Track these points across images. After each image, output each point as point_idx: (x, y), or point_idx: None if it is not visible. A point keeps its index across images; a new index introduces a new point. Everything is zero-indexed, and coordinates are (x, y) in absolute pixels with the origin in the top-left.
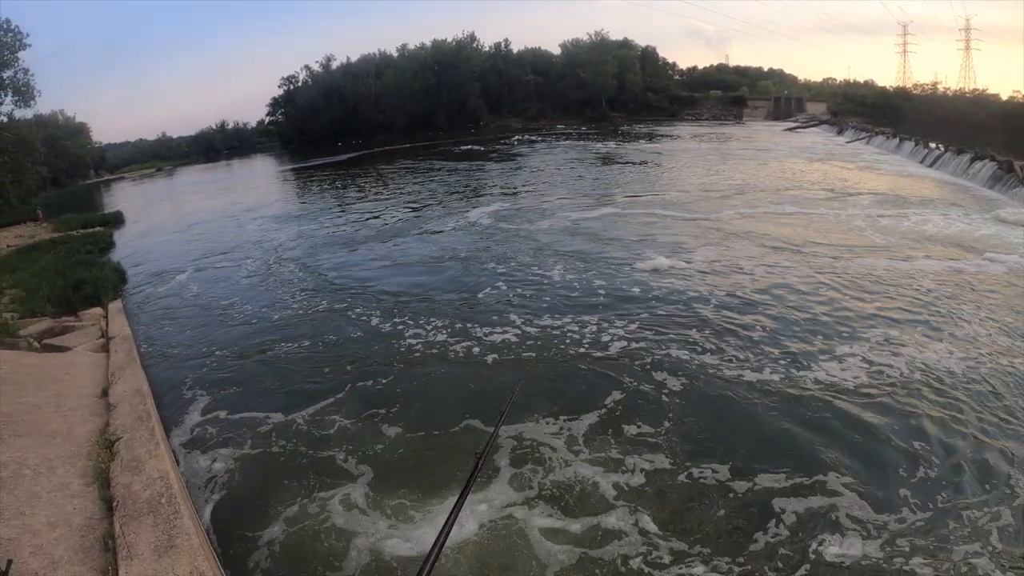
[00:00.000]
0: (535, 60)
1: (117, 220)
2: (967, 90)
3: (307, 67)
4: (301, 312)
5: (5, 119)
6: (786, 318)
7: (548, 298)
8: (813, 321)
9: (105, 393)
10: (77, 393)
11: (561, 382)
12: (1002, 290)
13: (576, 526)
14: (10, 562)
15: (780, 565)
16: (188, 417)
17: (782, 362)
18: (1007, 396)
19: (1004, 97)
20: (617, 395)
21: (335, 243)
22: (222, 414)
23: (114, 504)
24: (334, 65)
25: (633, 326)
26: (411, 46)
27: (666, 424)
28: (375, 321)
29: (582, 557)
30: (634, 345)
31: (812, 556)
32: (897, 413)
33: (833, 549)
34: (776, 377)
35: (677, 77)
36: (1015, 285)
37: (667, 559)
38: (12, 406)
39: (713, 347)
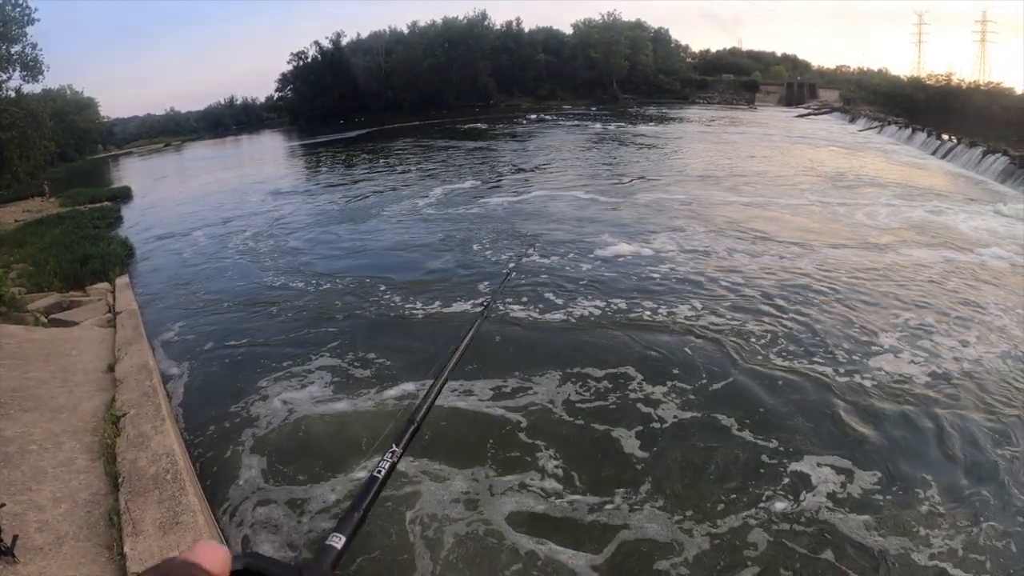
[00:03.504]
0: (546, 39)
1: (125, 195)
2: (982, 83)
3: (317, 43)
4: (304, 284)
5: (13, 94)
6: (796, 310)
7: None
8: (826, 313)
9: (112, 368)
10: (84, 368)
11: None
12: (1007, 282)
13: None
14: (16, 537)
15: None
16: (194, 392)
17: (811, 352)
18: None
19: (1019, 91)
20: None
21: (331, 218)
22: (228, 389)
23: (120, 480)
24: (344, 41)
25: (630, 305)
26: (422, 23)
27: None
28: (366, 286)
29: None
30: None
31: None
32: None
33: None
34: (811, 366)
35: (689, 60)
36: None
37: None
38: (19, 381)
39: (732, 334)
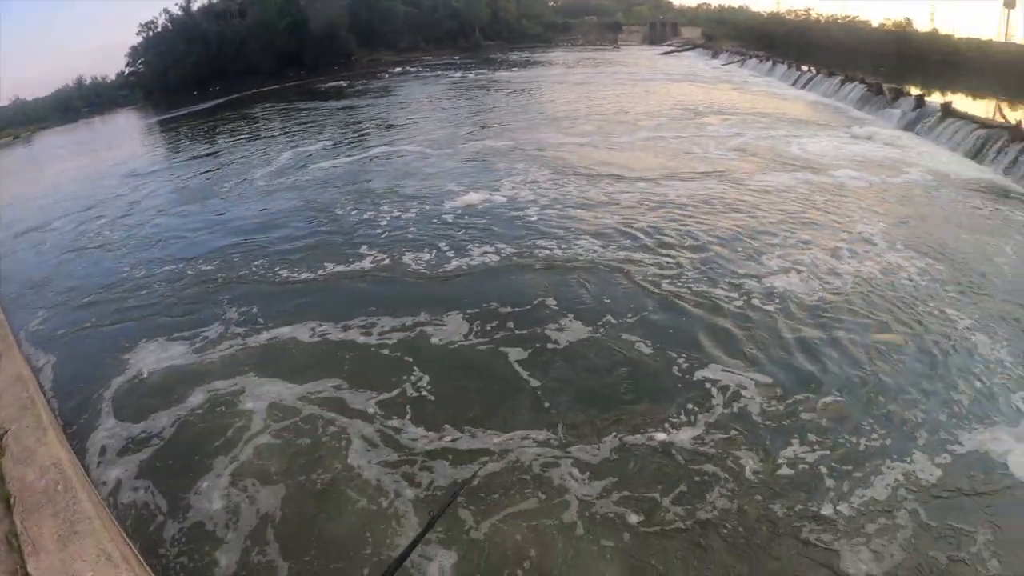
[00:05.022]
0: None
1: None
2: (839, 17)
3: (166, 11)
4: (167, 265)
5: None
6: (680, 236)
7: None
8: (712, 238)
9: None
10: None
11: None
12: (865, 198)
13: None
14: None
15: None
16: (75, 394)
17: (707, 277)
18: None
19: (874, 24)
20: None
21: (189, 196)
22: (108, 385)
23: (11, 501)
24: (195, 7)
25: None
26: None
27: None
28: (229, 260)
29: None
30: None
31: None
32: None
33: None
34: (711, 290)
35: (552, 4)
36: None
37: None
38: None
39: (624, 267)
